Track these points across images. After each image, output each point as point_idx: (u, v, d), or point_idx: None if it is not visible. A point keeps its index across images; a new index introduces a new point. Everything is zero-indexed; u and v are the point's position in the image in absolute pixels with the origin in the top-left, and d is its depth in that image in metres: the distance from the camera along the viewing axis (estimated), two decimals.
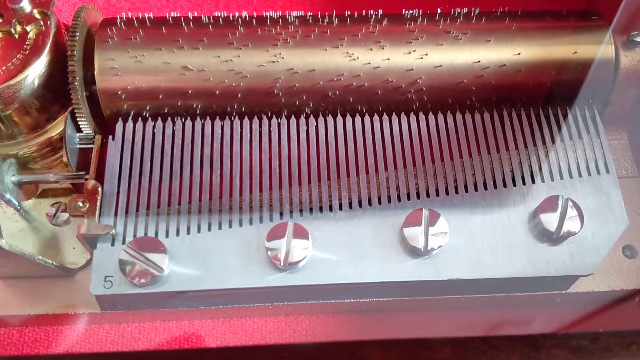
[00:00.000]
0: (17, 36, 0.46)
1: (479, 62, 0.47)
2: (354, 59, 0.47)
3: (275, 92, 0.47)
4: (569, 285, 0.46)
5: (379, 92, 0.47)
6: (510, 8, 0.50)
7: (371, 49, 0.47)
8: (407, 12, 0.49)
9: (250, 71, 0.47)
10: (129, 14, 0.48)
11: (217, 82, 0.47)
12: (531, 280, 0.44)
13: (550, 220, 0.43)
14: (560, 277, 0.43)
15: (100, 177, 0.45)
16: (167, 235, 0.43)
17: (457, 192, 0.45)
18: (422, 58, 0.47)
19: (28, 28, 0.46)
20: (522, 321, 0.48)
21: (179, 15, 0.48)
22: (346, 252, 0.43)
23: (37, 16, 0.46)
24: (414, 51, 0.47)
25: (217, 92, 0.47)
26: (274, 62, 0.46)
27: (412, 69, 0.47)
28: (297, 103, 0.47)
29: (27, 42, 0.46)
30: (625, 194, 0.47)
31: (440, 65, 0.47)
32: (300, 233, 0.42)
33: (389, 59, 0.47)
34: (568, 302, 0.47)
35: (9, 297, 0.45)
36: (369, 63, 0.47)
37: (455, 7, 0.49)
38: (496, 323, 0.48)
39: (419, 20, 0.48)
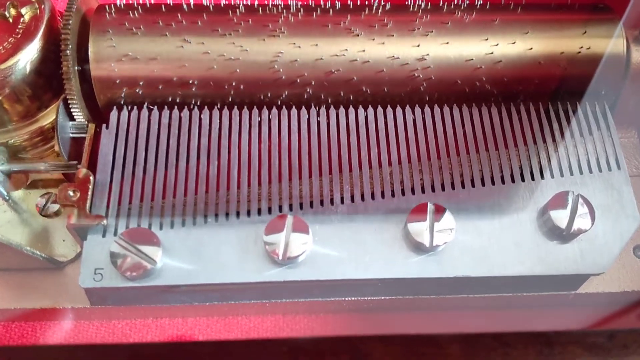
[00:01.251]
0: (11, 20, 0.44)
1: (486, 39, 0.46)
2: (357, 35, 0.45)
3: (276, 67, 0.45)
4: (579, 285, 0.44)
5: (384, 69, 0.45)
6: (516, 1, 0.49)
7: (375, 27, 0.45)
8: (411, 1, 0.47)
9: (250, 46, 0.45)
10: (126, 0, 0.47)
11: (216, 56, 0.45)
12: (540, 279, 0.42)
13: (560, 217, 0.42)
14: (570, 275, 0.42)
15: (92, 168, 0.43)
16: (160, 228, 0.42)
17: (463, 187, 0.44)
18: (427, 35, 0.46)
19: (23, 11, 0.44)
20: (529, 322, 0.46)
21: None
22: (347, 247, 0.41)
23: None
24: (419, 28, 0.46)
25: (215, 67, 0.45)
26: (274, 36, 0.45)
27: (418, 45, 0.45)
28: (298, 81, 0.45)
29: (19, 26, 0.44)
30: (635, 192, 0.45)
31: (448, 42, 0.46)
32: (300, 227, 0.40)
33: (393, 35, 0.45)
34: (577, 303, 0.45)
35: None
36: (373, 39, 0.45)
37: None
38: (504, 324, 0.46)
39: (423, 5, 0.47)
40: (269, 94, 0.45)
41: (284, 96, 0.45)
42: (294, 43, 0.45)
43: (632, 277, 0.46)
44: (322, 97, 0.46)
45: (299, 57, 0.45)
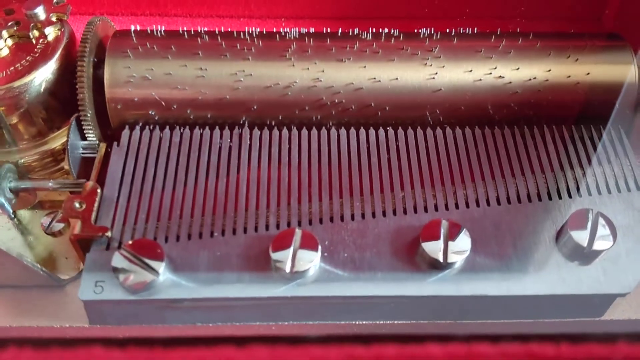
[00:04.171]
0: (33, 41, 0.46)
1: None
2: (367, 39, 0.47)
3: (287, 56, 0.46)
4: (605, 309, 0.42)
5: (394, 58, 0.46)
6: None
7: (385, 31, 0.47)
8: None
9: (261, 38, 0.46)
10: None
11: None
12: (562, 300, 0.40)
13: (580, 234, 0.40)
14: (594, 296, 0.39)
15: (101, 186, 0.43)
16: (166, 241, 0.41)
17: (478, 206, 0.42)
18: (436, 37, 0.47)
19: (46, 31, 0.45)
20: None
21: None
22: (358, 263, 0.40)
23: (54, 20, 0.46)
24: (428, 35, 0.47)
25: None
26: (285, 35, 0.46)
27: (429, 45, 0.47)
28: (309, 69, 0.45)
29: (38, 47, 0.45)
30: None
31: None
32: (309, 241, 0.39)
33: (400, 37, 0.47)
34: (603, 331, 0.43)
35: None
36: (383, 39, 0.47)
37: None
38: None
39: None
40: (280, 83, 0.46)
41: (295, 83, 0.46)
42: (304, 40, 0.46)
43: None
44: (334, 85, 0.46)
45: (310, 49, 0.46)
